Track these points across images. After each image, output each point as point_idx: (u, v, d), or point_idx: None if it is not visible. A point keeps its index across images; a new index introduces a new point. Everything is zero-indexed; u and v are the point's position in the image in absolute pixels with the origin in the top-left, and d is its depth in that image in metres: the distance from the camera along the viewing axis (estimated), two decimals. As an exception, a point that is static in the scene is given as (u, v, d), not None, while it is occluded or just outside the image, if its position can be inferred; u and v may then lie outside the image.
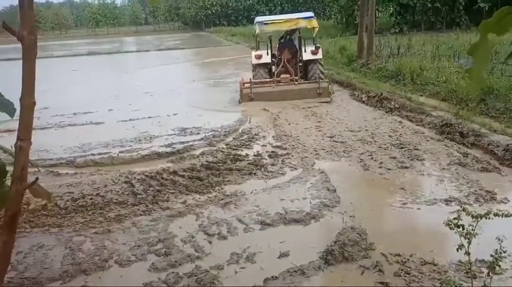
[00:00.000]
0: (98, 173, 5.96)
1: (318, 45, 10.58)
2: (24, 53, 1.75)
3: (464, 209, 2.84)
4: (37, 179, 2.05)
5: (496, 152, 5.95)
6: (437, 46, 15.15)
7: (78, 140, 7.68)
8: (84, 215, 4.71)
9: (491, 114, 7.67)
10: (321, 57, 10.43)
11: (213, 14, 67.92)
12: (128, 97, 12.03)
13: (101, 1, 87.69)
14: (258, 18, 10.77)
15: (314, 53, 10.33)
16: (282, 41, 11.12)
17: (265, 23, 10.27)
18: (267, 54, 10.54)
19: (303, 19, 10.31)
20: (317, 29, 10.60)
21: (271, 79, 10.13)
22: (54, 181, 5.69)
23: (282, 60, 10.51)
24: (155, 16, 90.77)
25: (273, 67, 10.96)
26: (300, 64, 10.71)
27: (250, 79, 9.94)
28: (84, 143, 7.44)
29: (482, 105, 8.12)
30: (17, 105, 1.95)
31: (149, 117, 9.32)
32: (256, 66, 10.50)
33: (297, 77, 10.09)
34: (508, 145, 6.00)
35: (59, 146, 7.33)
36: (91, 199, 5.00)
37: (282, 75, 10.27)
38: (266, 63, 10.55)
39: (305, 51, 10.46)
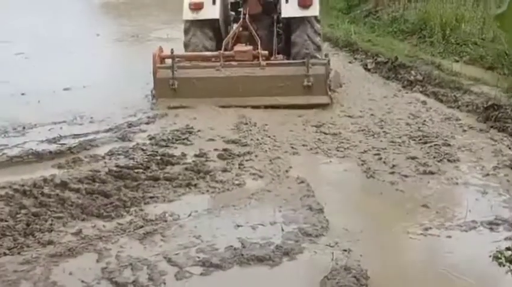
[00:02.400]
0: None
1: None
2: None
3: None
4: None
5: None
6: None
7: None
8: None
9: None
10: (316, 13, 8.59)
11: None
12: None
13: None
14: None
15: (303, 3, 8.41)
16: None
17: None
18: (213, 1, 8.69)
19: None
20: None
21: (214, 53, 8.55)
22: None
23: (242, 15, 8.89)
24: None
25: (228, 28, 9.49)
26: (279, 26, 9.22)
27: (172, 50, 8.26)
28: None
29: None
30: None
31: (22, 94, 9.09)
32: (190, 26, 8.87)
33: (265, 52, 8.30)
34: None
35: None
36: None
37: (237, 47, 8.55)
38: (211, 20, 8.80)
39: (287, 1, 8.47)
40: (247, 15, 8.80)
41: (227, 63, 8.20)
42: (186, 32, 8.91)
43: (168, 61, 8.40)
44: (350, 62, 10.96)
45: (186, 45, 8.86)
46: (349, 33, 12.82)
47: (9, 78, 9.92)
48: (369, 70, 10.26)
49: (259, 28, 8.93)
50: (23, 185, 5.58)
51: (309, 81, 7.85)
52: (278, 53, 8.79)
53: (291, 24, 8.74)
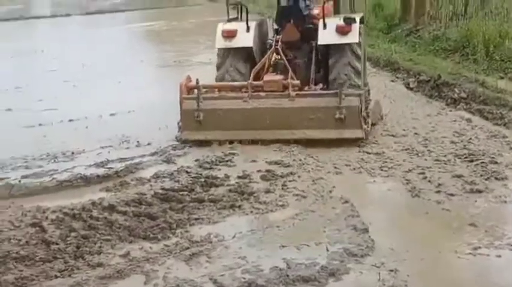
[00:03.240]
0: (-13, 213, 5.93)
1: (351, 15, 8.05)
2: None
3: None
4: None
5: None
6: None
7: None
8: (-36, 281, 4.67)
9: None
10: (356, 40, 7.76)
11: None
12: (37, 89, 12.02)
13: None
14: None
15: (342, 31, 7.68)
16: (283, 4, 8.76)
17: None
18: (247, 29, 8.20)
19: None
20: None
21: (243, 83, 7.88)
22: None
23: (274, 43, 8.22)
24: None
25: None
26: (318, 53, 8.35)
27: (197, 80, 7.79)
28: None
29: None
30: None
31: (70, 120, 9.32)
32: (224, 55, 8.33)
33: (296, 81, 7.65)
34: None
35: None
36: (-24, 254, 4.96)
37: (267, 76, 7.91)
38: (245, 48, 8.20)
39: (325, 27, 7.78)
40: (279, 43, 8.11)
41: (255, 93, 7.61)
42: (218, 61, 8.41)
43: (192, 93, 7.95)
44: (392, 81, 10.93)
45: (219, 75, 8.37)
46: (390, 52, 12.79)
47: (57, 106, 10.21)
48: (411, 89, 10.21)
49: (297, 56, 8.30)
50: (72, 209, 5.70)
51: (341, 114, 7.12)
52: (316, 84, 8.05)
53: (330, 52, 8.01)
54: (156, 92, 11.17)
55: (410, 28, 14.57)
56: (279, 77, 7.78)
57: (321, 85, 7.98)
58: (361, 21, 7.91)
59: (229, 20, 8.46)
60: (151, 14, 28.64)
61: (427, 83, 10.02)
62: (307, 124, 7.24)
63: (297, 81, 7.60)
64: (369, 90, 7.81)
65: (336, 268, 4.51)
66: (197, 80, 7.66)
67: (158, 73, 13.82)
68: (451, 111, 8.70)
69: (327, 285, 4.35)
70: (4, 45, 20.34)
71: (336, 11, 8.40)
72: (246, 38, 8.08)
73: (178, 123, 7.80)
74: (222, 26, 8.19)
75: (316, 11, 8.31)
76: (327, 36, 7.76)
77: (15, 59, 17.40)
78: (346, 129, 7.18)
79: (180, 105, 7.67)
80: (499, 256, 4.60)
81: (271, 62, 8.14)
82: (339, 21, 7.70)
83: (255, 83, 7.72)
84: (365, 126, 7.26)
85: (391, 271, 4.44)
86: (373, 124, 7.63)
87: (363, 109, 7.21)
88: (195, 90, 7.60)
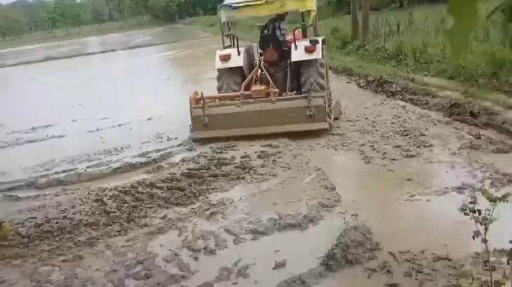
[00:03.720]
0: (63, 193, 5.95)
1: (315, 37, 7.86)
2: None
3: (483, 192, 2.86)
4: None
5: (512, 130, 6.08)
6: (441, 19, 15.31)
7: (39, 158, 7.65)
8: (50, 241, 4.69)
9: (504, 90, 7.81)
10: (319, 56, 7.56)
11: (187, 3, 67.92)
12: (94, 105, 12.02)
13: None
14: (226, 1, 8.14)
15: (309, 50, 7.51)
16: (265, 33, 8.36)
17: (234, 7, 7.78)
18: (238, 53, 8.02)
19: None
20: (314, 13, 8.07)
21: (236, 93, 7.67)
22: (13, 207, 5.66)
23: (258, 63, 8.08)
24: (120, 11, 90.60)
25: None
26: (292, 68, 8.00)
27: (202, 94, 7.51)
28: (46, 161, 7.42)
29: (494, 81, 8.26)
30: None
31: (119, 125, 9.33)
32: (222, 73, 8.09)
33: (275, 90, 7.43)
34: (524, 121, 6.11)
35: (18, 166, 7.29)
36: (57, 223, 4.99)
37: (254, 87, 7.73)
38: (237, 67, 7.97)
39: (296, 48, 7.59)
40: (262, 62, 7.98)
41: (246, 100, 7.39)
42: (218, 78, 8.14)
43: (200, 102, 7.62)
44: (348, 82, 10.95)
45: (219, 88, 8.09)
46: (345, 62, 12.78)
47: (109, 115, 10.21)
48: (362, 87, 10.22)
49: (276, 71, 8.03)
50: (124, 187, 5.73)
51: (311, 111, 6.93)
52: (291, 91, 7.79)
53: (301, 66, 7.74)
54: (179, 101, 11.18)
55: (359, 44, 14.52)
56: (263, 87, 7.65)
57: (295, 92, 7.73)
58: (323, 42, 7.80)
59: (225, 47, 8.31)
60: (172, 45, 28.53)
61: (373, 82, 10.02)
62: (286, 121, 7.04)
63: (276, 90, 7.44)
64: (330, 93, 7.66)
65: (314, 216, 4.56)
66: (201, 93, 7.45)
67: (180, 87, 13.80)
68: (390, 101, 8.70)
69: (307, 228, 4.40)
70: (69, 75, 20.32)
71: (304, 36, 8.23)
72: (237, 60, 7.91)
73: (190, 126, 7.61)
74: (219, 52, 8.05)
75: (289, 37, 8.15)
76: (298, 54, 7.59)
77: (75, 83, 17.36)
78: (315, 123, 6.98)
79: (191, 112, 7.44)
80: (428, 200, 4.66)
81: (257, 77, 7.97)
82: (306, 43, 7.57)
83: (246, 92, 7.61)
84: (329, 120, 7.09)
85: (353, 215, 4.49)
86: (335, 118, 7.52)
87: (326, 107, 7.04)
88: (201, 101, 7.40)
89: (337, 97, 8.37)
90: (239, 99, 7.42)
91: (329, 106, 7.12)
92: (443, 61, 10.34)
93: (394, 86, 9.33)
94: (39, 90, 16.86)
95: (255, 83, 7.88)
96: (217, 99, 7.79)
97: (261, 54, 8.29)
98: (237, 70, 8.02)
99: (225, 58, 7.90)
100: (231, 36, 8.55)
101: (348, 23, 17.02)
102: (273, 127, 7.09)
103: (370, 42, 14.14)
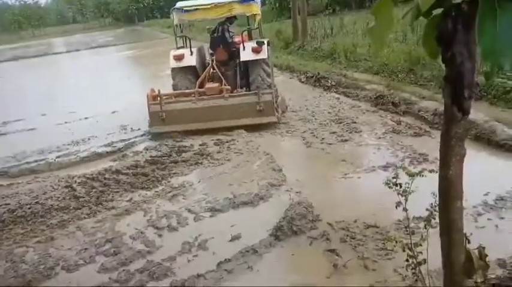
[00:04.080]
0: (35, 181, 5.65)
1: (261, 39, 7.61)
2: None
3: (403, 168, 2.98)
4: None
5: (426, 117, 6.39)
6: (367, 24, 15.72)
7: (11, 149, 7.19)
8: (23, 225, 4.46)
9: (419, 83, 8.14)
10: (265, 56, 7.36)
11: (145, 7, 65.76)
12: (62, 100, 11.45)
13: (22, 2, 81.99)
14: (178, 3, 7.81)
15: (256, 50, 7.32)
16: (215, 35, 8.00)
17: (185, 10, 7.46)
18: (190, 53, 7.64)
19: (238, 3, 7.33)
20: (259, 17, 7.76)
21: (191, 91, 7.28)
22: (-14, 195, 5.33)
23: (210, 62, 7.76)
24: (83, 14, 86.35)
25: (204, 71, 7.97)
26: (241, 67, 7.82)
27: (159, 91, 7.06)
28: (18, 152, 6.98)
29: (411, 75, 8.60)
30: None
31: (86, 118, 8.94)
32: (176, 72, 7.69)
33: (228, 87, 7.19)
34: (436, 109, 6.41)
35: (-11, 158, 6.84)
36: (30, 208, 4.73)
37: (208, 85, 7.39)
38: (190, 66, 7.63)
39: (244, 48, 7.39)
40: (214, 61, 7.66)
41: (200, 97, 7.04)
42: (172, 76, 7.74)
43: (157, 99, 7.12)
44: (290, 78, 11.02)
45: (174, 86, 7.68)
46: (287, 61, 12.85)
47: (76, 109, 9.76)
48: (302, 82, 10.31)
49: (226, 70, 7.77)
50: (92, 174, 5.53)
51: (261, 107, 6.73)
52: (241, 87, 7.56)
53: (249, 65, 7.52)
54: (140, 96, 10.87)
55: (299, 44, 14.61)
56: (216, 84, 7.33)
57: (244, 89, 7.50)
58: (268, 43, 7.65)
59: (178, 48, 7.92)
60: (132, 45, 27.57)
61: (312, 78, 10.12)
62: (238, 115, 6.79)
63: (229, 87, 7.19)
64: (276, 90, 7.45)
65: (264, 194, 4.60)
66: (159, 90, 7.02)
67: (141, 83, 13.38)
68: (327, 94, 8.86)
69: (258, 205, 4.44)
70: (37, 73, 19.24)
71: (250, 38, 8.11)
72: (190, 59, 7.57)
73: (148, 121, 7.20)
74: (173, 52, 7.66)
75: (237, 39, 7.92)
76: (246, 55, 7.36)
77: (43, 81, 16.45)
78: (265, 117, 6.78)
79: (148, 108, 7.02)
80: (359, 177, 4.82)
81: (210, 75, 7.64)
82: (253, 44, 7.36)
83: (200, 89, 7.23)
84: (277, 114, 6.91)
85: (297, 192, 4.57)
86: (282, 112, 7.38)
87: (274, 102, 6.84)
88: (158, 98, 6.97)
89: (282, 94, 8.24)
90: (194, 96, 7.06)
91: (276, 102, 6.99)
92: (370, 59, 10.62)
93: (329, 81, 9.48)
94: (9, 87, 15.82)
95: (208, 81, 7.55)
96: (173, 97, 7.37)
97: (211, 55, 7.96)
98: (190, 69, 7.67)
99: (179, 58, 7.55)
100: (184, 38, 8.19)
101: (290, 26, 17.11)
102: (226, 121, 6.83)
103: (308, 43, 14.27)
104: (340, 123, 6.71)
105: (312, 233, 3.74)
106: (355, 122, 6.66)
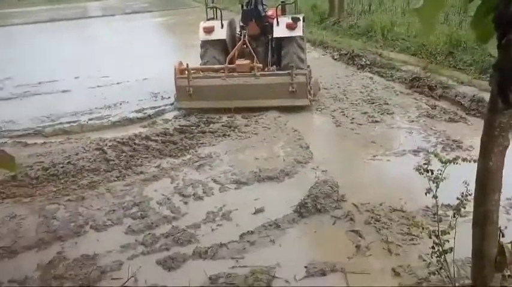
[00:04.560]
0: (67, 142, 5.83)
1: (296, 15, 7.10)
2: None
3: (436, 155, 2.90)
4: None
5: (463, 103, 6.15)
6: (407, 2, 15.11)
7: (46, 109, 7.42)
8: (56, 183, 4.64)
9: (458, 67, 7.83)
10: (300, 33, 6.93)
11: (180, -25, 65.19)
12: (95, 64, 11.59)
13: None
14: None
15: (290, 27, 6.86)
16: (247, 7, 7.57)
17: None
18: (221, 26, 7.23)
19: None
20: None
21: (221, 66, 6.92)
22: (22, 151, 5.54)
23: (242, 37, 7.27)
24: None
25: (234, 45, 7.47)
26: (273, 43, 7.37)
27: (187, 65, 6.68)
28: (52, 113, 7.20)
29: (450, 59, 8.27)
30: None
31: (118, 83, 9.04)
32: (205, 45, 7.29)
33: (259, 65, 6.74)
34: (474, 95, 6.17)
35: (26, 116, 7.07)
36: (62, 167, 4.91)
37: (239, 61, 6.95)
38: (219, 40, 7.22)
39: (278, 24, 6.96)
40: (247, 36, 7.19)
41: (230, 74, 6.65)
42: (202, 48, 7.34)
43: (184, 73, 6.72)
44: (323, 55, 10.78)
45: (202, 58, 7.32)
46: (322, 36, 12.56)
47: (109, 74, 9.90)
48: (335, 59, 10.09)
49: (257, 45, 7.32)
50: (122, 139, 5.65)
51: (293, 88, 6.34)
52: (272, 65, 7.16)
53: (282, 42, 7.09)
54: (172, 64, 10.93)
55: (335, 20, 14.22)
56: (247, 61, 6.85)
57: (275, 67, 7.09)
58: (303, 19, 7.22)
59: (208, 19, 7.46)
60: (166, 13, 27.52)
61: (345, 55, 9.88)
62: (269, 95, 6.43)
63: (260, 65, 6.74)
64: (310, 71, 6.90)
65: (289, 171, 4.60)
66: (187, 64, 6.65)
67: (172, 51, 13.40)
68: (360, 72, 8.64)
69: (283, 181, 4.45)
70: (71, 36, 19.55)
71: (283, 12, 7.60)
72: (221, 33, 7.16)
73: (174, 95, 6.97)
74: (202, 24, 7.26)
75: (270, 12, 7.50)
76: (280, 31, 6.92)
77: (78, 43, 16.71)
78: (297, 99, 6.40)
79: (175, 82, 6.73)
80: (388, 160, 4.74)
81: (240, 50, 7.21)
82: (288, 20, 6.91)
83: (230, 66, 6.81)
84: (310, 97, 6.49)
85: (323, 171, 4.54)
86: (314, 95, 6.91)
87: (307, 84, 6.46)
88: (186, 72, 6.61)
89: (315, 75, 7.71)
90: (223, 72, 6.69)
91: (309, 83, 6.59)
92: (408, 39, 10.26)
93: (363, 59, 9.22)
94: (44, 48, 16.16)
95: (239, 57, 7.13)
96: (200, 71, 6.98)
97: (242, 28, 7.49)
98: (220, 43, 7.25)
99: (209, 30, 7.15)
100: (215, 9, 7.69)
101: (326, 1, 16.64)
102: (256, 101, 6.48)
103: (344, 20, 13.86)
104: (372, 103, 6.56)
105: (336, 212, 3.73)
106: (387, 103, 6.50)
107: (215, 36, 7.18)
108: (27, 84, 9.52)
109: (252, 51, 7.04)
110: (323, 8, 16.13)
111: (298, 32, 6.88)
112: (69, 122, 6.65)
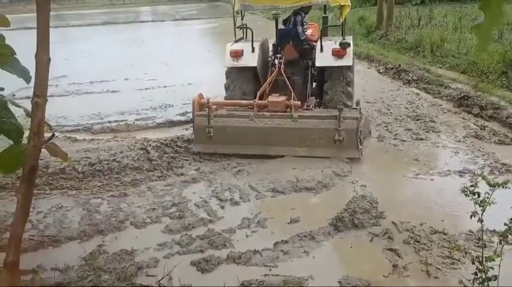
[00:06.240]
0: (114, 140, 6.07)
1: (345, 40, 5.71)
2: (38, 10, 1.77)
3: (483, 177, 2.78)
4: (53, 134, 2.11)
5: (515, 125, 5.85)
6: (459, 17, 14.64)
7: (95, 107, 7.78)
8: (101, 179, 4.84)
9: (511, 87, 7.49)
10: (350, 63, 5.67)
11: (230, -16, 66.52)
12: (144, 67, 12.01)
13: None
14: None
15: (337, 54, 5.56)
16: (284, 26, 6.38)
17: None
18: (252, 50, 5.88)
19: None
20: (348, 9, 5.68)
21: (250, 102, 5.62)
22: (72, 146, 5.81)
23: (277, 64, 5.84)
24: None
25: (266, 71, 6.13)
26: (314, 70, 6.07)
27: (208, 100, 5.45)
28: (101, 111, 7.54)
29: (503, 78, 7.92)
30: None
31: (164, 86, 9.33)
32: (231, 74, 6.05)
33: (297, 102, 5.39)
34: (527, 118, 5.87)
35: (76, 113, 7.44)
36: (107, 164, 5.11)
37: (272, 97, 5.57)
38: (249, 67, 5.89)
39: (322, 50, 5.64)
40: (282, 64, 5.81)
41: (260, 113, 5.38)
42: (227, 76, 6.12)
43: (204, 109, 5.46)
44: (368, 68, 10.63)
45: (227, 90, 6.12)
46: (368, 49, 12.39)
47: (156, 77, 10.22)
48: (381, 73, 9.92)
49: (294, 72, 6.09)
50: (165, 140, 5.83)
51: (340, 136, 5.02)
52: (312, 95, 5.97)
53: (326, 72, 5.79)
54: (217, 70, 11.13)
55: (382, 34, 14.01)
56: (282, 98, 5.50)
57: (314, 98, 5.97)
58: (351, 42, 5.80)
59: (236, 41, 6.18)
60: (214, 20, 28.12)
61: (391, 70, 9.72)
62: (308, 143, 5.18)
63: (298, 103, 5.38)
64: (360, 109, 5.39)
65: (327, 183, 4.55)
66: (207, 99, 5.48)
67: (218, 58, 13.65)
68: (406, 88, 8.45)
69: (321, 193, 4.40)
70: (122, 39, 20.36)
71: (325, 32, 6.17)
72: (251, 59, 5.84)
73: (191, 135, 5.78)
74: (229, 46, 5.96)
75: (309, 31, 6.40)
76: (324, 59, 5.61)
77: (129, 47, 17.38)
78: (344, 150, 5.10)
79: (193, 119, 5.62)
80: (432, 180, 4.59)
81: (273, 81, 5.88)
82: (335, 45, 5.60)
83: (261, 102, 5.50)
84: (360, 147, 5.17)
85: (362, 185, 4.47)
86: (363, 138, 5.52)
87: (358, 131, 5.11)
88: (206, 108, 5.38)
89: (365, 114, 6.12)
90: (251, 108, 5.47)
91: (359, 129, 5.16)
92: (458, 56, 9.93)
93: (410, 74, 9.02)
94: (98, 50, 16.93)
95: (271, 89, 5.82)
96: (224, 106, 5.77)
97: (275, 49, 6.31)
98: (250, 70, 5.94)
99: (236, 55, 5.85)
100: (245, 28, 6.34)
101: (374, 14, 16.42)
102: (291, 149, 5.24)
103: (392, 33, 13.62)
104: (417, 120, 6.40)
105: (373, 229, 3.64)
106: (433, 121, 6.31)
107: (244, 62, 5.88)
108: (80, 83, 10.02)
109: (288, 82, 5.68)
110: (370, 21, 15.92)
111: (347, 61, 5.60)
112: (116, 121, 6.92)
